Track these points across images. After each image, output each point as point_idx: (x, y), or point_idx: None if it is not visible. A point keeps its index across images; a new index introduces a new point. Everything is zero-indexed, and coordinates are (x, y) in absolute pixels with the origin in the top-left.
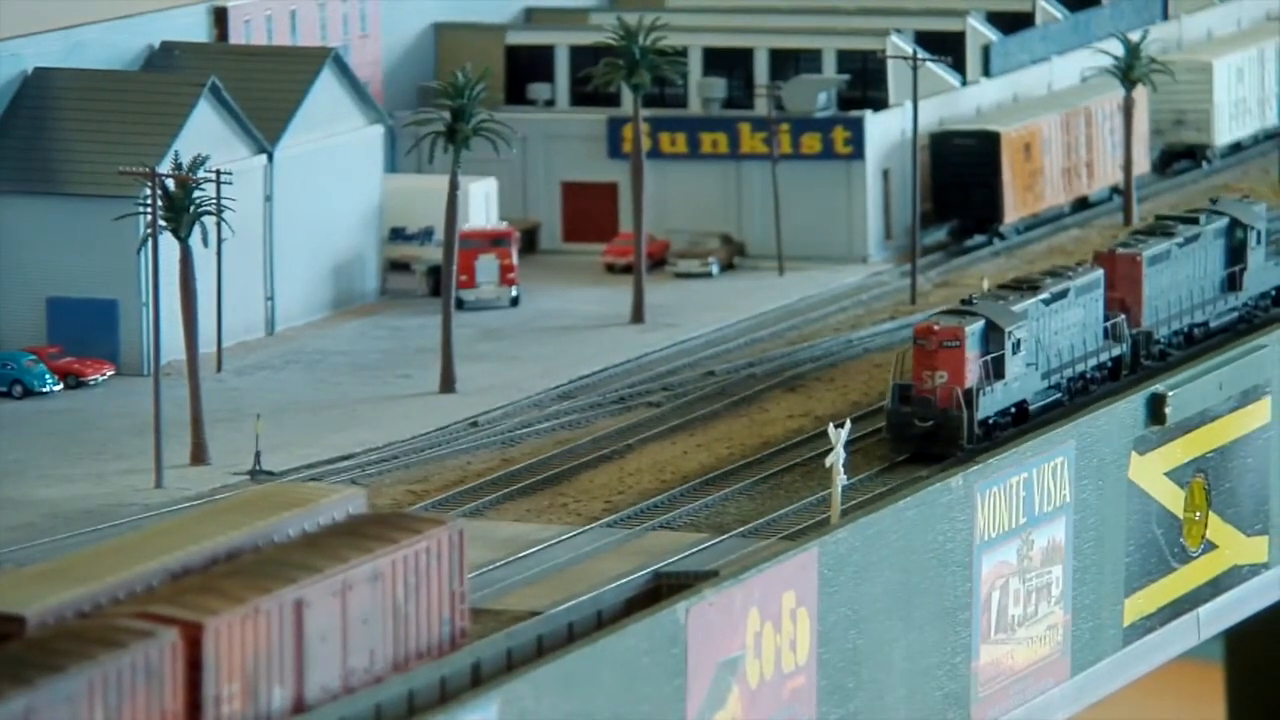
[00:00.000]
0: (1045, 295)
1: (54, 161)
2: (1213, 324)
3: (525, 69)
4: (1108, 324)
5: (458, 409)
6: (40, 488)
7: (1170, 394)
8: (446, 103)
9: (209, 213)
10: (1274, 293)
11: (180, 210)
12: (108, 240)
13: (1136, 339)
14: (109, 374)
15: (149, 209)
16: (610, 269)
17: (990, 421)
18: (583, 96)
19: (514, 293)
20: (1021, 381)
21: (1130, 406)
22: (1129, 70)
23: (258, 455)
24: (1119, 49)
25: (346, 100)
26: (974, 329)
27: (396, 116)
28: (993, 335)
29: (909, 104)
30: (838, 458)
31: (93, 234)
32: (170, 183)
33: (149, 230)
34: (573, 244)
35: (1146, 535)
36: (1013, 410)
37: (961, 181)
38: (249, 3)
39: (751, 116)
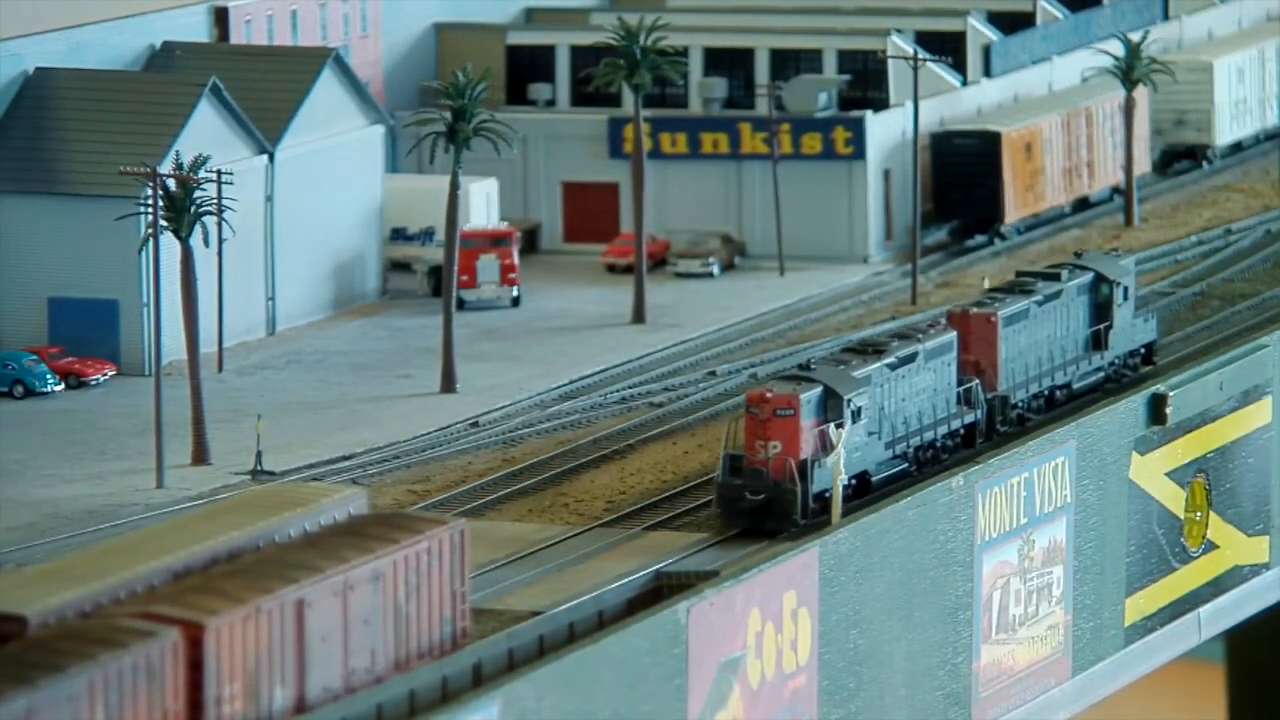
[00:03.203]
0: (891, 359)
1: (55, 161)
2: (1076, 385)
3: (526, 69)
4: (960, 389)
5: (459, 409)
6: (41, 488)
7: (1171, 394)
8: (447, 103)
9: (210, 213)
10: (1143, 351)
11: (181, 210)
12: (109, 240)
13: (992, 404)
14: (110, 374)
15: (150, 209)
16: (611, 269)
17: (828, 495)
18: (583, 96)
19: (515, 293)
20: (862, 452)
21: (1131, 406)
22: (1130, 70)
23: (259, 455)
24: (1120, 49)
25: (347, 100)
26: (809, 396)
27: (397, 117)
28: (831, 403)
29: (910, 104)
30: (838, 457)
31: (94, 234)
32: (171, 183)
33: (150, 230)
34: (573, 244)
35: (1147, 535)
36: (853, 482)
37: (962, 181)
38: (250, 3)
39: (752, 116)
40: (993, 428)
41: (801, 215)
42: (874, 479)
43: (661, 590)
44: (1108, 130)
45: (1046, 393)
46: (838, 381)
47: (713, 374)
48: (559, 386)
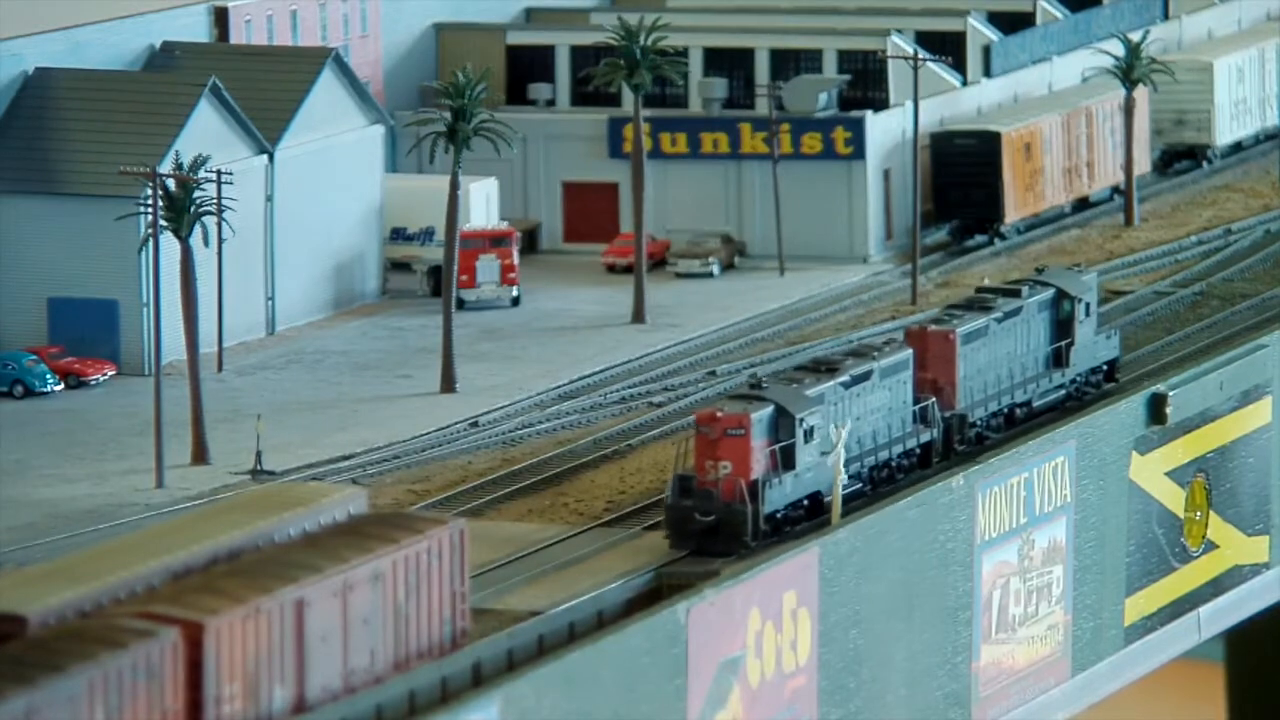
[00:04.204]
0: (844, 378)
1: (55, 161)
2: (1036, 404)
3: (526, 69)
4: (917, 407)
5: (458, 409)
6: (41, 488)
7: (1171, 394)
8: (447, 103)
9: (210, 213)
10: (1105, 368)
11: (181, 210)
12: (109, 240)
13: (949, 422)
14: (110, 374)
15: (150, 209)
16: (611, 269)
17: (779, 516)
18: (583, 96)
19: (515, 293)
20: (815, 472)
21: (1131, 406)
22: (1129, 70)
23: (259, 455)
24: (1119, 49)
25: (347, 100)
26: (761, 416)
27: (397, 116)
28: (782, 422)
29: (910, 104)
30: (838, 457)
31: (94, 234)
32: (171, 183)
33: (150, 230)
34: (573, 244)
35: (1147, 535)
36: (805, 503)
37: (962, 181)
38: (250, 3)
39: (752, 116)
40: (950, 447)
41: (801, 215)
42: (827, 499)
43: (661, 590)
44: (1108, 130)
45: (1006, 411)
46: (789, 400)
47: (713, 374)
48: (559, 386)
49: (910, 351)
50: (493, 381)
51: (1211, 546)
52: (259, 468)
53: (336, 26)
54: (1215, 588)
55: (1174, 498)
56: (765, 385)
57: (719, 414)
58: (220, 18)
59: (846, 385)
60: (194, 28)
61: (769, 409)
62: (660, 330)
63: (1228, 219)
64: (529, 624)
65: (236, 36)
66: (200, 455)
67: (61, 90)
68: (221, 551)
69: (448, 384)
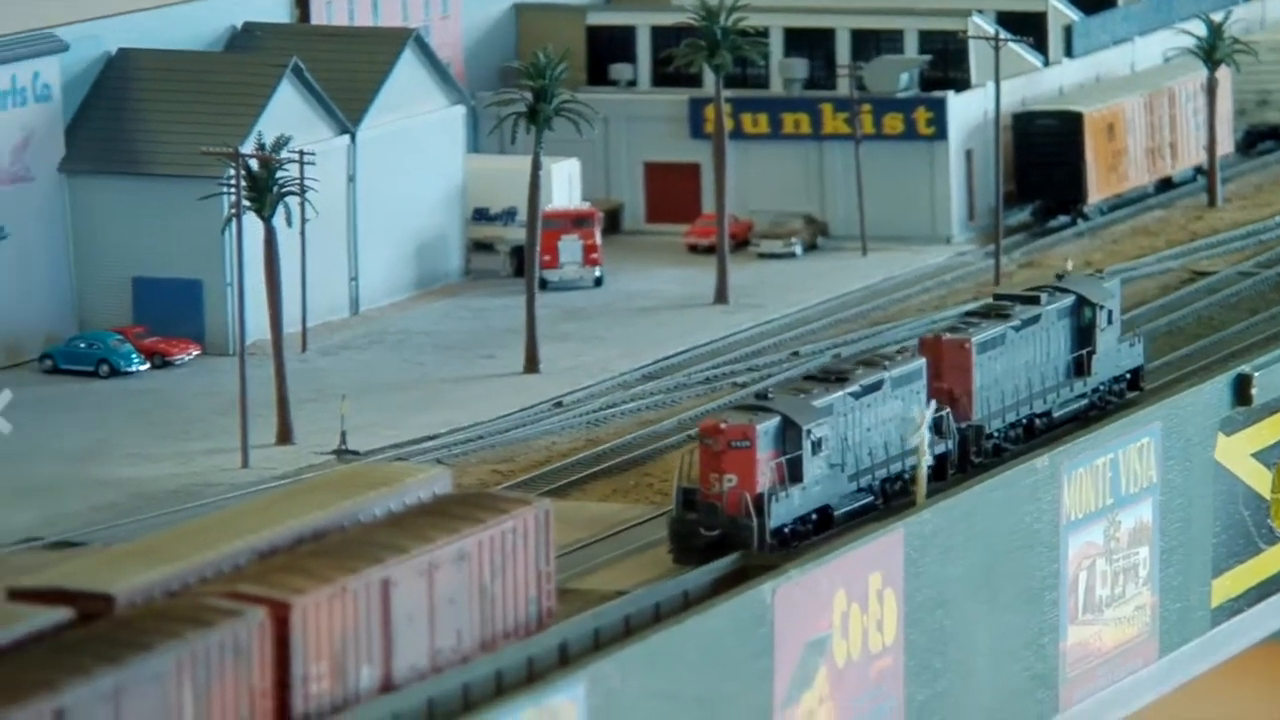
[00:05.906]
0: (854, 388)
1: (138, 142)
2: (1056, 414)
3: (606, 49)
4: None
5: (542, 389)
6: (126, 467)
7: (1256, 374)
8: (528, 83)
9: (292, 193)
10: (1128, 376)
11: (264, 191)
12: (192, 220)
13: (965, 434)
14: (194, 354)
15: (233, 189)
16: (693, 249)
17: (786, 530)
18: (664, 77)
19: (597, 273)
20: (823, 485)
21: (1216, 387)
22: (1212, 50)
23: (343, 435)
24: (1202, 29)
25: (428, 81)
26: (766, 427)
27: (478, 97)
28: (789, 434)
29: (991, 84)
30: (922, 438)
31: (177, 214)
32: (253, 163)
33: (233, 211)
34: (655, 224)
35: (1233, 516)
36: (814, 517)
37: (1044, 162)
38: None
39: (833, 97)
40: (966, 458)
41: (883, 196)
42: (836, 513)
43: (747, 570)
44: (1190, 110)
45: (1025, 421)
46: (796, 411)
47: (796, 354)
48: (642, 367)
49: (923, 361)
50: (576, 362)
51: None
52: (343, 448)
53: (417, 7)
54: None
55: (1260, 479)
56: (771, 395)
57: (723, 425)
58: None
59: (856, 395)
60: (275, 8)
61: (775, 420)
62: (743, 311)
63: None
64: (615, 604)
65: (318, 17)
66: (285, 435)
67: (144, 71)
68: (307, 531)
69: (531, 364)
